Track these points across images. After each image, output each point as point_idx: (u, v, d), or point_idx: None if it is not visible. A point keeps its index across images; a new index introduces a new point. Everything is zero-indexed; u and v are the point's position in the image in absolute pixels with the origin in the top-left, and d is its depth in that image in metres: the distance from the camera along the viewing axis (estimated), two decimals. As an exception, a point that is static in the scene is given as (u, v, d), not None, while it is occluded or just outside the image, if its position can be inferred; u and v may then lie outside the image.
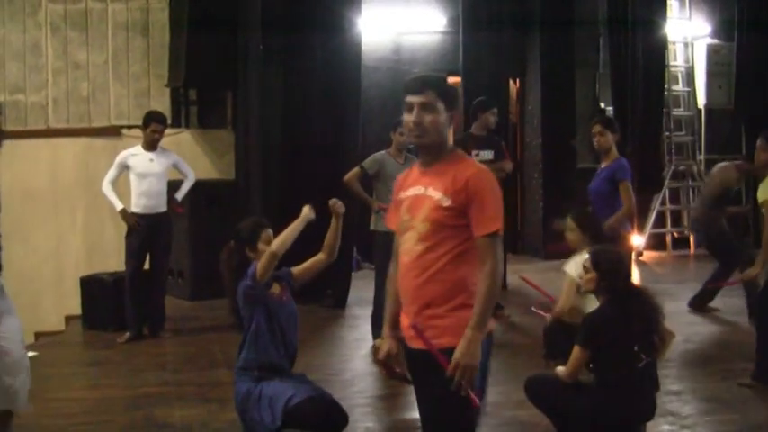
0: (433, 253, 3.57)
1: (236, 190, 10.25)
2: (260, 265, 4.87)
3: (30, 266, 10.20)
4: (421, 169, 3.73)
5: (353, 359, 7.67)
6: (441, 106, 3.64)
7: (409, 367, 3.78)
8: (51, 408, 6.28)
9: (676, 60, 13.26)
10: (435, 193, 3.58)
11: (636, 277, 8.93)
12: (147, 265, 8.44)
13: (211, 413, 6.06)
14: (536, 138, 12.33)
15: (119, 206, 8.19)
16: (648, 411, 4.98)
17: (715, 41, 13.27)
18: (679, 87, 13.25)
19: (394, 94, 12.13)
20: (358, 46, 9.96)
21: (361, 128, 10.10)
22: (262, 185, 9.70)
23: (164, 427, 5.83)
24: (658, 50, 12.32)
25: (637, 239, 11.20)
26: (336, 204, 5.24)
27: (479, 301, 3.49)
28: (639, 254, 11.95)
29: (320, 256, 5.37)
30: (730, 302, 8.63)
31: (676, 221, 13.16)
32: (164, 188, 8.35)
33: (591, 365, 4.95)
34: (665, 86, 12.79)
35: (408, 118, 3.68)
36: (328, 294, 9.70)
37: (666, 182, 12.75)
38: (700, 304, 8.68)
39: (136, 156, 8.25)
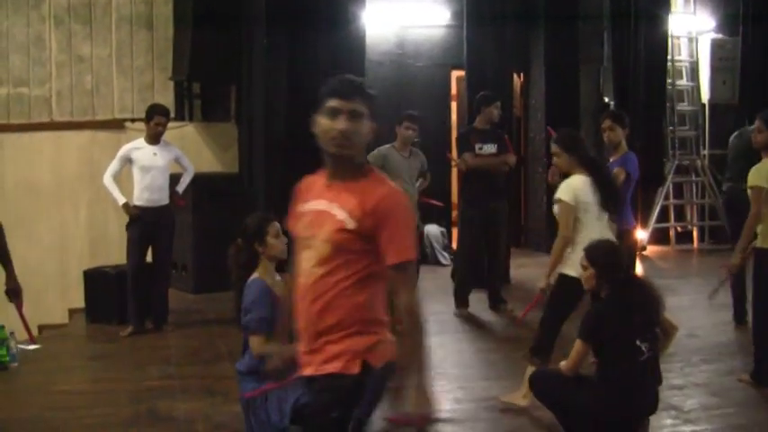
0: (333, 277, 3.27)
1: (239, 183, 10.24)
2: (254, 350, 4.84)
3: (33, 259, 10.20)
4: (328, 182, 3.41)
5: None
6: (367, 117, 3.36)
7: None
8: (55, 401, 6.30)
9: (680, 55, 13.23)
10: (340, 212, 3.27)
11: (639, 272, 8.91)
12: (149, 259, 8.45)
13: (215, 406, 6.07)
14: (540, 132, 12.31)
15: (121, 200, 8.20)
16: (651, 406, 4.99)
17: (719, 36, 13.24)
18: (683, 82, 13.23)
19: (398, 88, 12.18)
20: (362, 40, 9.95)
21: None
22: (265, 179, 9.69)
23: (167, 421, 5.84)
24: (660, 45, 12.31)
25: (640, 234, 11.22)
26: None
27: (407, 345, 3.21)
28: (643, 248, 11.94)
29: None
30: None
31: (680, 216, 13.15)
32: (166, 181, 8.35)
33: (595, 358, 4.97)
34: (670, 81, 12.78)
35: (331, 124, 3.34)
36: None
37: (670, 177, 12.73)
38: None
39: (139, 149, 8.25)
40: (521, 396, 5.90)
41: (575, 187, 5.77)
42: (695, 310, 8.66)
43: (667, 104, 12.83)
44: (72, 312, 9.53)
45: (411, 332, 3.19)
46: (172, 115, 8.83)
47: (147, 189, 8.20)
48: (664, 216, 12.85)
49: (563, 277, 5.78)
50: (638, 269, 8.96)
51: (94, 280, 8.79)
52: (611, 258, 4.98)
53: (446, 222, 12.27)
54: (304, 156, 10.26)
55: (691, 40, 13.25)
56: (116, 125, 10.71)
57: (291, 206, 3.49)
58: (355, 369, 3.27)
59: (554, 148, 5.99)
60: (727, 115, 13.06)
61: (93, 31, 10.84)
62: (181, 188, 8.62)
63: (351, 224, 3.23)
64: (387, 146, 8.05)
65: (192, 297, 9.83)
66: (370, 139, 3.42)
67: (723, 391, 6.30)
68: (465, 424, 5.75)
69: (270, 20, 9.57)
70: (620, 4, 11.93)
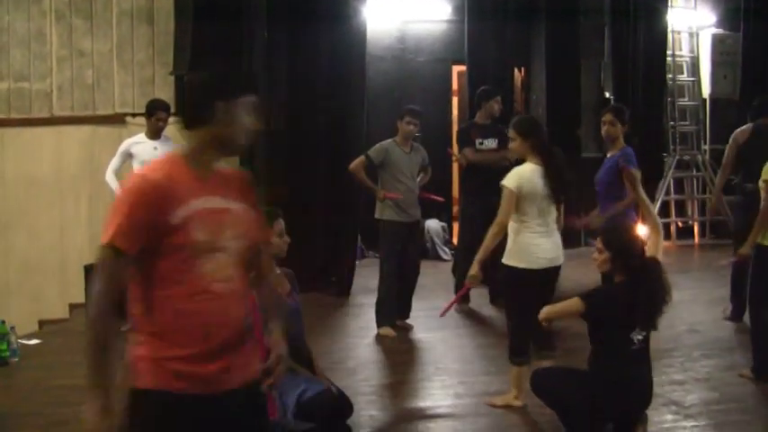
0: (245, 276, 3.11)
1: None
2: None
3: (34, 255, 10.22)
4: (198, 175, 3.04)
5: (357, 347, 7.67)
6: None
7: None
8: (55, 396, 6.30)
9: (681, 50, 13.22)
10: (238, 205, 3.08)
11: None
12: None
13: (215, 401, 6.06)
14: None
15: (122, 197, 8.18)
16: (645, 397, 5.02)
17: (720, 31, 13.23)
18: (684, 77, 13.22)
19: (399, 83, 12.18)
20: (363, 34, 9.95)
21: (366, 116, 10.09)
22: (266, 174, 9.69)
23: (168, 415, 5.84)
24: (661, 40, 12.31)
25: (642, 229, 11.20)
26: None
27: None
28: (644, 243, 11.93)
29: None
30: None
31: (681, 211, 13.15)
32: (167, 176, 8.33)
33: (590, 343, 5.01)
34: (670, 76, 12.78)
35: (251, 121, 3.08)
36: (332, 282, 9.73)
37: (671, 172, 12.73)
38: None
39: (139, 144, 8.25)
40: (512, 397, 5.91)
41: (521, 175, 5.76)
42: (696, 305, 8.67)
43: (668, 99, 12.83)
44: (72, 307, 9.53)
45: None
46: (173, 110, 8.81)
47: (147, 184, 8.18)
48: (665, 211, 12.83)
49: (507, 269, 5.76)
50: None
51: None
52: (627, 243, 4.98)
53: (447, 217, 12.27)
54: (305, 150, 10.38)
55: (692, 34, 13.24)
56: (117, 120, 10.69)
57: (132, 214, 2.92)
58: None
59: (511, 132, 5.96)
60: (727, 110, 13.04)
61: (93, 26, 10.83)
62: (182, 184, 8.61)
63: (253, 213, 3.16)
64: (388, 140, 8.05)
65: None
66: None
67: (724, 387, 6.30)
68: (466, 419, 5.76)
69: (271, 14, 9.58)
70: (621, -2, 11.98)
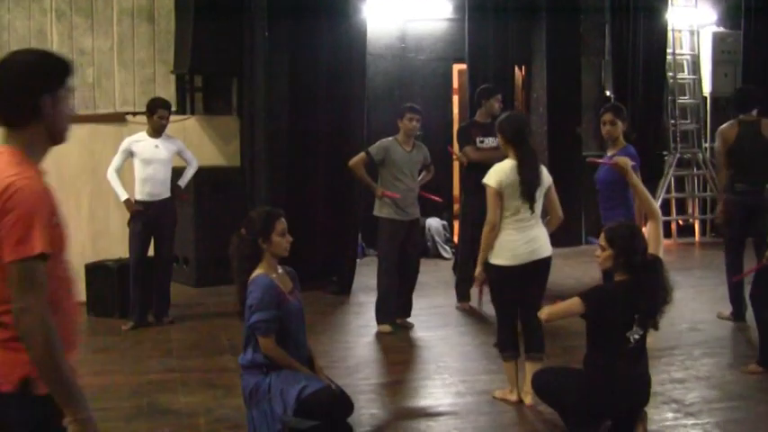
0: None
1: (241, 176, 10.24)
2: (263, 348, 4.87)
3: (35, 253, 10.21)
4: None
5: (358, 346, 7.68)
6: None
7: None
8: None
9: (682, 48, 13.22)
10: None
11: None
12: (151, 252, 8.45)
13: (217, 399, 6.08)
14: (542, 125, 12.30)
15: (123, 196, 8.19)
16: (642, 395, 5.03)
17: (721, 29, 13.24)
18: (684, 75, 13.22)
19: (400, 81, 12.17)
20: (363, 33, 9.95)
21: (366, 114, 10.10)
22: (267, 172, 9.70)
23: (169, 414, 5.85)
24: (661, 38, 12.31)
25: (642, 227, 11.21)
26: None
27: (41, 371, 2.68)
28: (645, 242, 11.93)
29: None
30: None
31: (681, 209, 13.15)
32: (168, 175, 8.34)
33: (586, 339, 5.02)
34: (671, 74, 12.78)
35: (72, 105, 3.01)
36: (333, 281, 9.73)
37: (672, 170, 12.73)
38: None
39: (140, 142, 8.25)
40: (508, 392, 5.96)
41: (499, 172, 5.85)
42: (697, 304, 8.67)
43: (669, 97, 12.83)
44: (73, 306, 9.52)
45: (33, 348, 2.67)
46: (173, 108, 8.82)
47: (148, 182, 8.19)
48: (665, 209, 12.83)
49: (488, 266, 5.87)
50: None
51: (96, 274, 8.78)
52: (630, 241, 4.98)
53: (448, 216, 12.27)
54: (305, 148, 10.39)
55: (692, 33, 13.24)
56: (118, 118, 10.68)
57: (48, 220, 2.91)
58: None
59: (499, 137, 6.08)
60: (728, 108, 13.03)
61: (94, 24, 10.83)
62: (183, 182, 8.62)
63: None
64: (390, 138, 8.05)
65: (193, 290, 9.83)
66: None
67: (725, 385, 6.31)
68: (467, 417, 5.76)
69: (272, 12, 9.58)
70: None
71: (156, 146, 8.23)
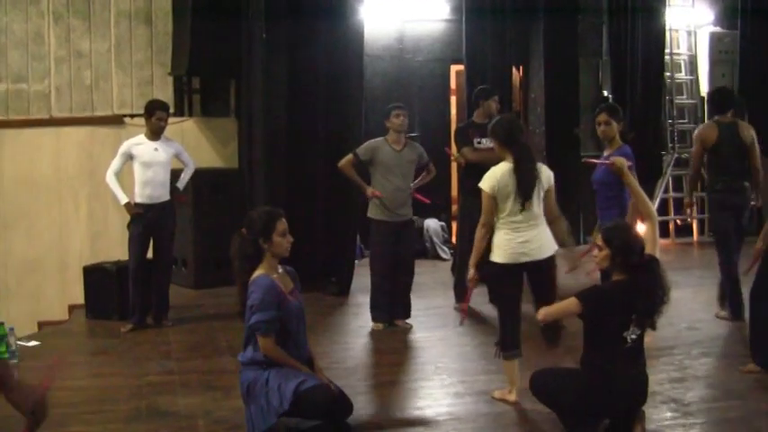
0: None
1: (239, 178, 10.25)
2: (263, 349, 4.87)
3: (33, 255, 10.22)
4: None
5: (357, 347, 7.68)
6: None
7: None
8: (54, 397, 6.28)
9: (679, 48, 13.24)
10: None
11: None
12: (150, 254, 8.45)
13: (216, 401, 6.07)
14: (539, 126, 12.31)
15: (123, 199, 8.18)
16: (639, 395, 5.03)
17: (718, 29, 13.25)
18: (682, 75, 13.23)
19: (398, 82, 12.19)
20: (361, 34, 9.95)
21: (364, 116, 10.10)
22: (265, 174, 9.70)
23: (168, 416, 5.84)
24: (659, 38, 12.32)
25: (640, 227, 11.20)
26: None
27: None
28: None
29: None
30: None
31: (679, 209, 13.14)
32: (167, 177, 8.34)
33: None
34: (669, 74, 12.79)
35: None
36: (332, 282, 9.74)
37: (669, 169, 12.74)
38: None
39: (140, 145, 8.24)
40: (507, 392, 5.97)
41: (493, 176, 5.88)
42: (695, 303, 8.68)
43: (666, 97, 12.84)
44: (72, 308, 9.54)
45: None
46: (171, 110, 8.82)
47: (148, 185, 8.19)
48: (663, 209, 12.84)
49: (489, 265, 5.91)
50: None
51: (94, 276, 8.78)
52: (627, 241, 4.99)
53: (446, 217, 12.28)
54: (303, 150, 10.38)
55: (689, 33, 13.26)
56: (115, 121, 10.70)
57: None
58: None
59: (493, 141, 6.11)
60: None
61: (91, 26, 10.84)
62: (181, 184, 8.62)
63: None
64: (379, 139, 8.06)
65: (192, 292, 9.82)
66: None
67: (723, 384, 6.31)
68: (466, 418, 5.75)
69: (269, 14, 9.58)
70: (619, -4, 11.99)
71: (156, 148, 8.23)
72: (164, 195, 8.30)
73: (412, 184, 8.14)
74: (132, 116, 10.57)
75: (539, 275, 5.89)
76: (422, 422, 5.69)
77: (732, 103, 8.33)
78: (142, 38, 10.99)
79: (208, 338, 7.90)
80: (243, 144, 10.49)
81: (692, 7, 13.07)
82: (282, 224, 5.02)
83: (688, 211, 8.85)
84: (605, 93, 12.52)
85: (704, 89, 13.18)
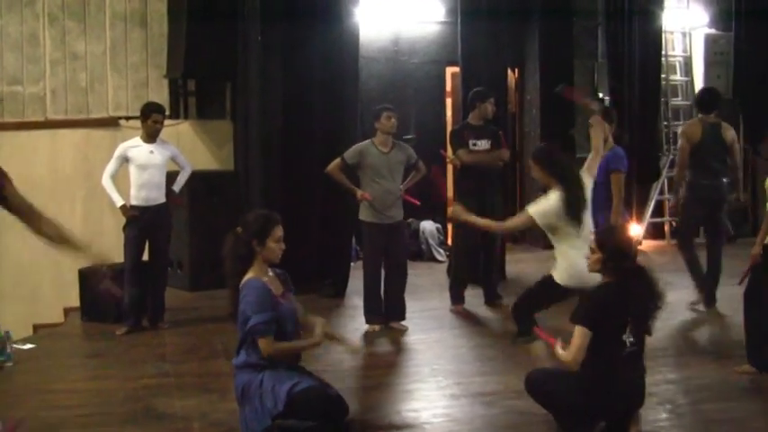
0: None
1: (235, 181, 10.25)
2: (265, 351, 4.87)
3: (28, 258, 10.19)
4: None
5: (353, 349, 7.67)
6: None
7: None
8: (50, 400, 6.30)
9: (674, 50, 13.25)
10: None
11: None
12: (145, 257, 8.44)
13: (211, 404, 6.07)
14: (535, 128, 12.32)
15: (119, 202, 8.18)
16: (636, 399, 5.03)
17: (713, 31, 13.26)
18: (677, 77, 13.25)
19: (393, 84, 12.19)
20: (356, 36, 9.96)
21: (359, 118, 10.10)
22: (261, 176, 9.70)
23: (163, 418, 5.84)
24: (655, 40, 12.33)
25: (636, 229, 11.23)
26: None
27: None
28: (638, 243, 11.95)
29: None
30: (728, 291, 8.62)
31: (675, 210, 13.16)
32: (163, 180, 8.35)
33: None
34: (664, 76, 12.80)
35: None
36: (328, 284, 9.74)
37: (665, 171, 12.74)
38: None
39: (135, 147, 8.24)
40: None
41: (542, 210, 5.97)
42: (690, 305, 8.68)
43: (661, 99, 12.85)
44: (67, 311, 9.53)
45: None
46: (167, 113, 8.81)
47: (144, 187, 8.19)
48: (659, 210, 12.86)
49: (550, 278, 5.98)
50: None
51: (90, 278, 8.77)
52: (620, 246, 5.00)
53: (441, 218, 12.28)
54: (299, 152, 10.37)
55: (684, 34, 13.27)
56: (111, 123, 10.69)
57: None
58: None
59: (531, 163, 6.20)
60: (721, 110, 13.05)
61: (87, 29, 10.82)
62: (177, 187, 8.62)
63: None
64: (366, 141, 8.07)
65: (187, 295, 9.83)
66: None
67: (718, 385, 6.31)
68: (462, 420, 5.76)
69: (265, 16, 9.58)
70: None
71: (152, 151, 8.24)
72: (159, 198, 8.30)
73: (402, 186, 8.13)
74: (128, 118, 10.57)
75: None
76: (417, 424, 5.69)
77: (718, 104, 8.62)
78: (137, 40, 10.98)
79: (203, 341, 7.90)
80: (238, 146, 10.49)
81: (687, 9, 13.08)
82: (279, 231, 5.02)
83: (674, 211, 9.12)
84: (600, 95, 12.52)
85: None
